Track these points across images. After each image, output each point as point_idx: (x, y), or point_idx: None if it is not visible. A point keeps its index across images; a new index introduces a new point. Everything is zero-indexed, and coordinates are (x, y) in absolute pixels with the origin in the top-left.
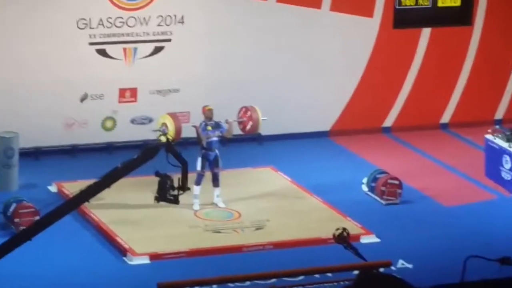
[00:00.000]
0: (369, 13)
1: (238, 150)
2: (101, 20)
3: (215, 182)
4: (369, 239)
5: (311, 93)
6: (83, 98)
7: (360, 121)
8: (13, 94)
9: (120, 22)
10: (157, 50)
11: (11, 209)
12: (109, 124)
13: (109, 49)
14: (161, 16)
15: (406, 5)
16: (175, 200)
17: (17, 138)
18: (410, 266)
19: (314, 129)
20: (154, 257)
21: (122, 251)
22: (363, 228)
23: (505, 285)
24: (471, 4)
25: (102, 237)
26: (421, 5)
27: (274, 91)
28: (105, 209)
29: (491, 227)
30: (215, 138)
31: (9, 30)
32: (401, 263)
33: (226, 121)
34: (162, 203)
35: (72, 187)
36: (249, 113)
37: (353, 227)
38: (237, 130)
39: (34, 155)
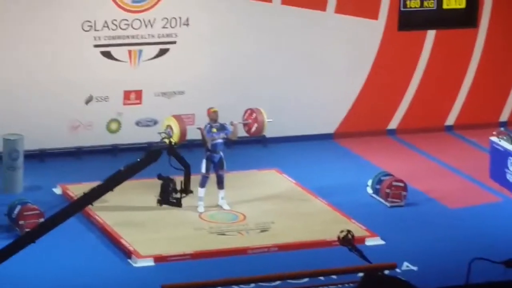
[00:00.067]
0: (374, 15)
1: (242, 152)
2: (106, 22)
3: (220, 184)
4: (374, 241)
5: (316, 95)
6: (88, 100)
7: (365, 123)
8: (18, 96)
9: (125, 24)
10: (162, 52)
11: (16, 211)
12: (114, 126)
13: (114, 51)
14: (166, 18)
15: (411, 7)
16: (177, 203)
17: (22, 140)
18: (415, 268)
19: (319, 131)
20: (158, 259)
21: (126, 253)
22: (367, 230)
23: None
24: (476, 6)
25: (107, 239)
26: (426, 7)
27: (279, 93)
28: (109, 211)
29: (496, 229)
30: (220, 140)
31: (14, 32)
32: (406, 265)
33: (231, 123)
34: (165, 205)
35: (77, 189)
36: (254, 115)
37: (358, 230)
38: (242, 132)
39: (39, 157)
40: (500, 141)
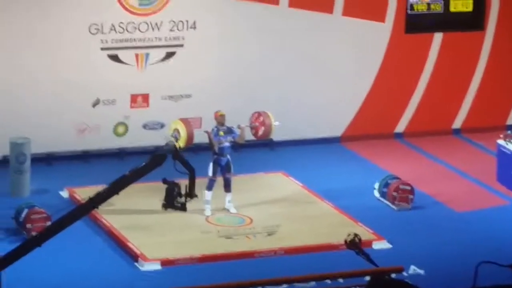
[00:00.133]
0: (381, 18)
1: (249, 156)
2: (113, 25)
3: (227, 187)
4: (380, 244)
5: (323, 98)
6: (95, 104)
7: (372, 126)
8: (25, 99)
9: (132, 27)
10: (169, 55)
11: (23, 214)
12: (121, 129)
13: (121, 54)
14: (173, 21)
15: (418, 10)
16: (182, 207)
17: (29, 144)
18: (422, 272)
19: (325, 135)
20: (165, 262)
21: (133, 257)
22: (374, 233)
23: None
24: (483, 9)
25: (114, 243)
26: (433, 10)
27: (286, 96)
28: (116, 215)
29: (503, 232)
30: (227, 144)
31: (22, 35)
32: (413, 268)
33: (239, 127)
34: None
35: (84, 193)
36: (261, 118)
37: (365, 233)
38: (249, 136)
39: (46, 161)
40: (507, 144)
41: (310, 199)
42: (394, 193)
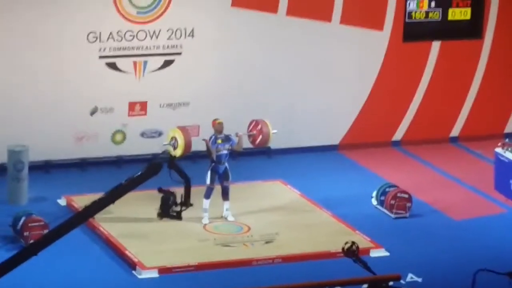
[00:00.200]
0: (379, 26)
1: (247, 164)
2: (111, 33)
3: (225, 195)
4: (378, 252)
5: (321, 106)
6: (93, 112)
7: (369, 134)
8: (23, 107)
9: (130, 35)
10: (167, 63)
11: (21, 222)
12: (119, 137)
13: (119, 62)
14: (171, 29)
15: (416, 19)
16: (178, 216)
17: (26, 152)
18: (419, 280)
19: (323, 143)
20: (163, 270)
21: (131, 265)
22: (372, 241)
23: None
24: (481, 17)
25: (111, 251)
26: (431, 18)
27: (283, 105)
28: (114, 223)
29: (501, 240)
30: (225, 152)
31: (19, 43)
32: (410, 276)
33: (237, 135)
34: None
35: (82, 201)
36: (259, 126)
37: (363, 241)
38: (246, 143)
39: (43, 169)
40: (505, 152)
41: (308, 207)
42: (392, 201)
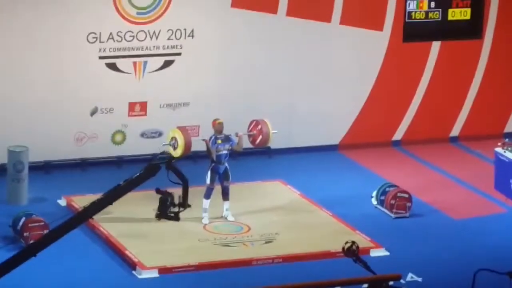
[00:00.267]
0: (379, 26)
1: (247, 164)
2: (111, 34)
3: (225, 195)
4: (378, 252)
5: (321, 106)
6: (93, 112)
7: (369, 134)
8: (22, 107)
9: (130, 36)
10: (167, 64)
11: (21, 223)
12: (118, 137)
13: (119, 63)
14: (171, 30)
15: (416, 19)
16: (175, 217)
17: (26, 152)
18: (419, 279)
19: (323, 143)
20: (163, 270)
21: (131, 265)
22: (372, 241)
23: None
24: (481, 18)
25: (111, 251)
26: (431, 18)
27: (283, 105)
28: (114, 223)
29: (501, 240)
30: (225, 152)
31: (19, 44)
32: (410, 276)
33: (236, 135)
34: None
35: (82, 201)
36: (259, 126)
37: (363, 241)
38: (246, 143)
39: (43, 169)
40: (505, 152)
41: (308, 207)
42: (392, 201)
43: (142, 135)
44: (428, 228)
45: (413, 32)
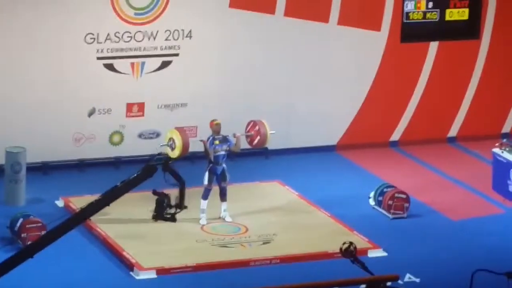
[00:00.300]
0: (376, 27)
1: (245, 164)
2: (108, 34)
3: (222, 196)
4: (376, 253)
5: (318, 107)
6: (90, 113)
7: (367, 135)
8: (20, 108)
9: (128, 36)
10: (165, 64)
11: (18, 224)
12: (116, 138)
13: (116, 63)
14: (169, 30)
15: (413, 19)
16: (172, 218)
17: (24, 153)
18: (417, 280)
19: (321, 143)
20: (161, 271)
21: (128, 266)
22: (370, 242)
23: None
24: (479, 18)
25: (109, 252)
26: (429, 19)
27: (281, 105)
28: (111, 224)
29: (498, 241)
30: (222, 152)
31: (17, 45)
32: (408, 277)
33: (234, 135)
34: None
35: (80, 202)
36: (257, 127)
37: (360, 241)
38: (244, 144)
39: (41, 170)
40: (502, 152)
41: (305, 208)
42: (390, 202)
43: (140, 135)
44: (426, 229)
45: (411, 32)
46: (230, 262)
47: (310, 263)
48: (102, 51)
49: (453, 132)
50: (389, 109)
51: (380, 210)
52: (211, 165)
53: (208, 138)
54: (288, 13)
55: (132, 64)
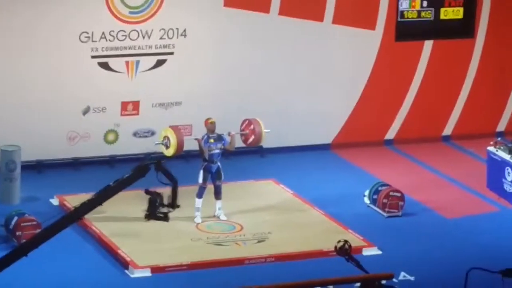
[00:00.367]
0: (371, 25)
1: (240, 163)
2: (103, 33)
3: (217, 194)
4: (371, 251)
5: (313, 105)
6: (85, 111)
7: (362, 133)
8: (15, 107)
9: (123, 35)
10: (160, 63)
11: (13, 222)
12: (111, 137)
13: (111, 62)
14: (164, 29)
15: (408, 18)
16: (165, 218)
17: (19, 151)
18: (412, 278)
19: (316, 142)
20: (155, 270)
21: (123, 264)
22: (365, 240)
23: None
24: (473, 17)
25: (104, 250)
26: (423, 17)
27: (276, 104)
28: (106, 222)
29: (493, 239)
30: (217, 151)
31: (12, 43)
32: (403, 275)
33: (229, 134)
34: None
35: (74, 200)
36: (251, 126)
37: (355, 240)
38: (239, 143)
39: (36, 168)
40: (497, 151)
41: (300, 207)
42: (385, 200)
43: (135, 134)
44: (420, 227)
45: (406, 31)
46: (225, 261)
47: (305, 261)
48: (96, 49)
49: (447, 130)
50: (384, 108)
51: (375, 208)
52: (205, 163)
53: (203, 137)
54: (282, 12)
55: (127, 62)
